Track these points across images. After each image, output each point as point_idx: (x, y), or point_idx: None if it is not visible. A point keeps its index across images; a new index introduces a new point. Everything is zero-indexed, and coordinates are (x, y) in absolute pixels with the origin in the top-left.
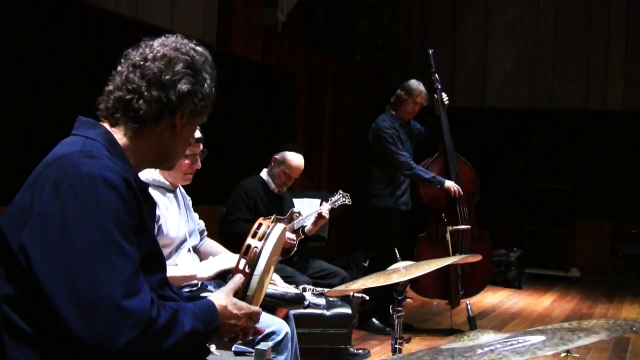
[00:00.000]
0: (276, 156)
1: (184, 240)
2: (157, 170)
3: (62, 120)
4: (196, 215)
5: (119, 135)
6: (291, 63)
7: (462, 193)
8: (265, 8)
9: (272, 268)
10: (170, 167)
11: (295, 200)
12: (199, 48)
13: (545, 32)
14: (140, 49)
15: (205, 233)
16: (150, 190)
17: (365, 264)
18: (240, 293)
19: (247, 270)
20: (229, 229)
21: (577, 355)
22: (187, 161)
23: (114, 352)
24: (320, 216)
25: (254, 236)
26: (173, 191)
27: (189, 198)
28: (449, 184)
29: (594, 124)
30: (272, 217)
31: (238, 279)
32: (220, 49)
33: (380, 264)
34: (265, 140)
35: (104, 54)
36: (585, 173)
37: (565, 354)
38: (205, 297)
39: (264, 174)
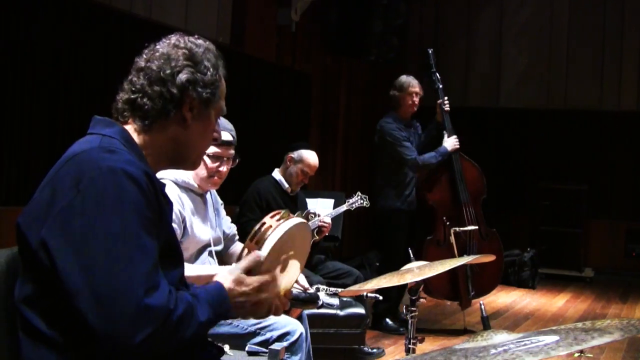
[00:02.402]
0: (292, 155)
1: (207, 245)
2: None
3: (75, 119)
4: (228, 219)
5: (133, 133)
6: (305, 63)
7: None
8: (279, 8)
9: (297, 260)
10: (190, 165)
11: (308, 200)
12: (199, 40)
13: (559, 32)
14: (144, 55)
15: (237, 237)
16: (179, 192)
17: (378, 264)
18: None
19: (254, 243)
20: (241, 230)
21: (591, 356)
22: (211, 162)
23: (133, 347)
24: (321, 229)
25: (272, 217)
26: (201, 195)
27: (221, 202)
28: (451, 145)
29: (608, 124)
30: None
31: (247, 255)
32: (234, 49)
33: (389, 265)
34: (279, 140)
35: (118, 54)
36: (599, 173)
37: (579, 354)
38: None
39: (276, 174)
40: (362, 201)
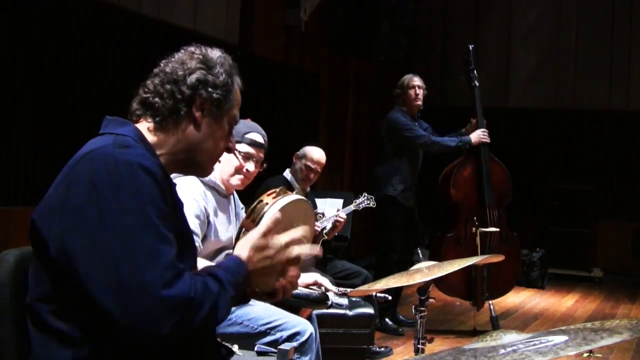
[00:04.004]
0: (297, 152)
1: (226, 247)
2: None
3: (82, 119)
4: None
5: (146, 132)
6: (313, 63)
7: (488, 139)
8: (288, 8)
9: (302, 230)
10: (200, 170)
11: (317, 200)
12: (216, 51)
13: (568, 32)
14: (161, 64)
15: None
16: (205, 189)
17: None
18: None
19: (251, 221)
20: None
21: (600, 356)
22: (241, 160)
23: (161, 337)
24: (335, 224)
25: (269, 195)
26: (226, 197)
27: (241, 206)
28: (476, 137)
29: (617, 124)
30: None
31: (245, 233)
32: (242, 50)
33: (383, 260)
34: (288, 140)
35: (126, 53)
36: (608, 173)
37: (588, 354)
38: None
39: (287, 173)
40: (368, 201)
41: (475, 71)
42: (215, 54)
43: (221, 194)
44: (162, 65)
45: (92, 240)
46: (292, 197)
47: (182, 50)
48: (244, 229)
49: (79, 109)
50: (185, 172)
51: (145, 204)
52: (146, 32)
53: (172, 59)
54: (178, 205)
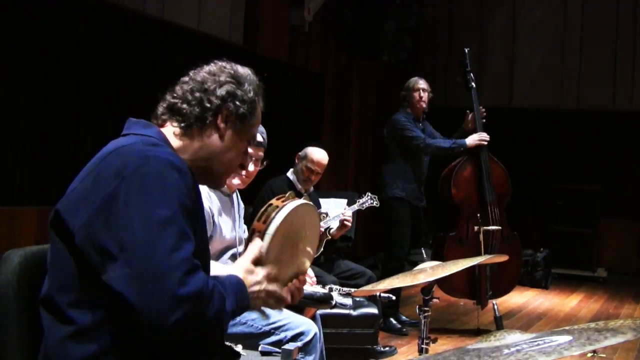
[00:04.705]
0: (299, 153)
1: (230, 246)
2: None
3: (88, 119)
4: (244, 225)
5: (170, 136)
6: (318, 63)
7: (488, 139)
8: (292, 8)
9: (308, 242)
10: (216, 181)
11: (321, 200)
12: (245, 67)
13: (572, 32)
14: (190, 73)
15: None
16: (209, 192)
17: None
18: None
19: (262, 223)
20: None
21: (604, 356)
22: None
23: (166, 327)
24: (343, 223)
25: (278, 199)
26: (229, 196)
27: (242, 206)
28: (472, 140)
29: (621, 124)
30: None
31: (254, 243)
32: (247, 49)
33: (391, 258)
34: (292, 140)
35: (131, 54)
36: (612, 173)
37: (592, 354)
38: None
39: (290, 173)
40: (372, 201)
41: (471, 73)
42: (245, 71)
43: (224, 194)
44: (191, 73)
45: (116, 232)
46: (300, 201)
47: (212, 63)
48: (255, 232)
49: (82, 110)
50: (201, 180)
51: (172, 199)
52: (150, 32)
53: (203, 70)
54: (201, 207)
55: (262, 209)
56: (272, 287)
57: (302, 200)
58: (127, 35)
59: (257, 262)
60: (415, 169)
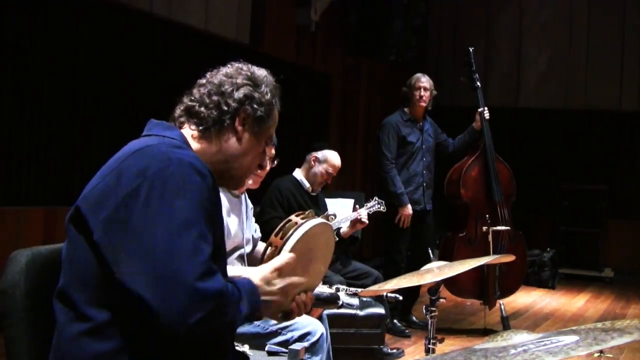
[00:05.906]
0: (317, 155)
1: (238, 247)
2: None
3: (94, 119)
4: (255, 225)
5: (189, 139)
6: (324, 63)
7: (408, 225)
8: (299, 8)
9: (321, 261)
10: (234, 184)
11: (328, 201)
12: (261, 69)
13: (579, 32)
14: (207, 75)
15: (260, 238)
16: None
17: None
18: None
19: (280, 238)
20: (263, 228)
21: (611, 356)
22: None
23: (186, 327)
24: (358, 221)
25: (297, 216)
26: (238, 197)
27: (251, 206)
28: (404, 210)
29: (628, 125)
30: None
31: (272, 251)
32: (253, 49)
33: (389, 263)
34: (299, 140)
35: (138, 54)
36: (619, 173)
37: (599, 354)
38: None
39: (297, 173)
40: (379, 206)
41: (477, 73)
42: (262, 73)
43: (233, 195)
44: (208, 76)
45: (137, 232)
46: (319, 220)
47: (229, 65)
48: (272, 245)
49: (89, 110)
50: (220, 182)
51: (193, 201)
52: (157, 32)
53: (219, 72)
54: (219, 211)
55: (281, 224)
56: (283, 299)
57: (320, 220)
58: (134, 36)
59: (278, 274)
60: (409, 173)
